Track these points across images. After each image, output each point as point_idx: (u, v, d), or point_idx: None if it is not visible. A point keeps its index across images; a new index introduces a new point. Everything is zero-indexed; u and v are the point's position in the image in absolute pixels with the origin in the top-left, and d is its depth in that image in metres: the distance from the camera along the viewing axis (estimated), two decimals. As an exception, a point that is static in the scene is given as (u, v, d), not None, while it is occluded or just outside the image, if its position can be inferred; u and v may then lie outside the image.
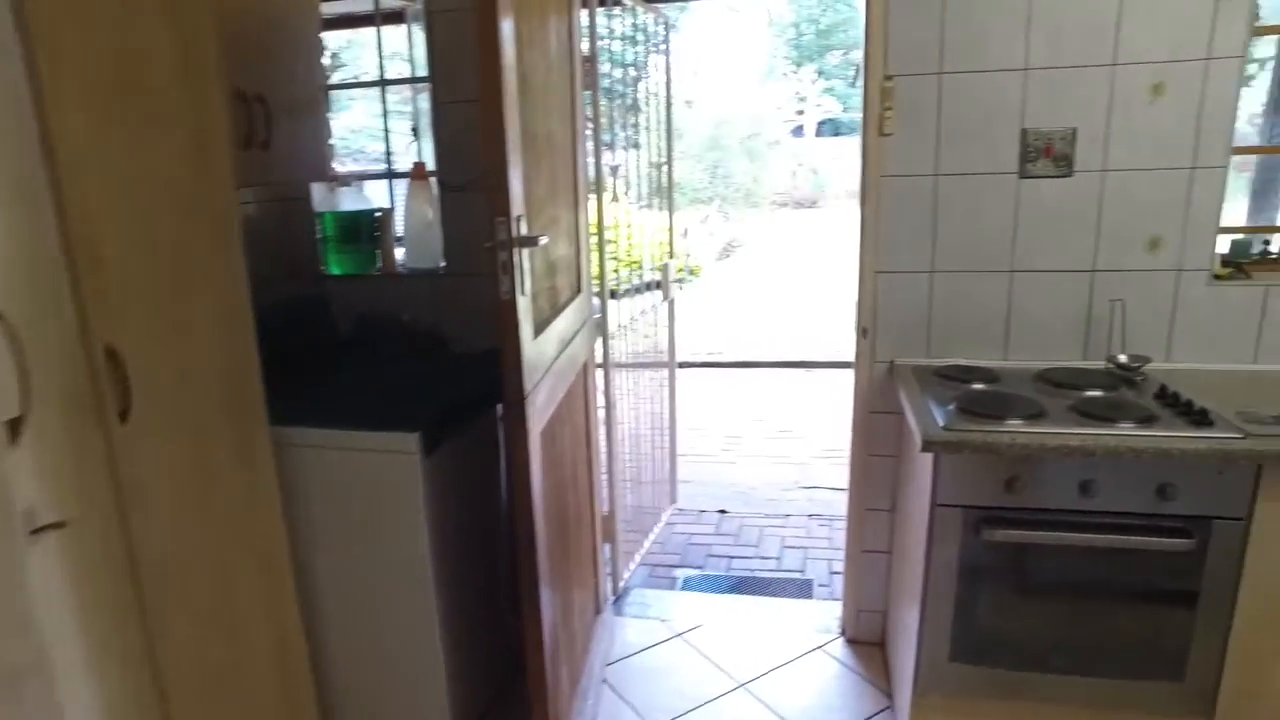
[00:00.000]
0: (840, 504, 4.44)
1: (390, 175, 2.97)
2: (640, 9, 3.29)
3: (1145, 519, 1.84)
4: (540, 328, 1.91)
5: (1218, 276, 2.30)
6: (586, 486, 2.59)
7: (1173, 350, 2.35)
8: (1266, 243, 2.37)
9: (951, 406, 2.00)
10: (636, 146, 3.47)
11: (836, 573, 3.45)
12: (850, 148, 19.57)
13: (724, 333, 8.53)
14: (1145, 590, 1.88)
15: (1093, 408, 1.95)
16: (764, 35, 21.87)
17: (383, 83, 2.84)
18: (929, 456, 1.89)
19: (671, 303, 3.75)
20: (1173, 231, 2.27)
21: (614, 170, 3.31)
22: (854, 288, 2.50)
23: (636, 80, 3.39)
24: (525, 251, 1.72)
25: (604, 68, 2.92)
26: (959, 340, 2.42)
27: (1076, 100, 2.21)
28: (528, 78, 1.82)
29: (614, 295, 3.28)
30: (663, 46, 3.57)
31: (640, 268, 3.65)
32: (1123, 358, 2.27)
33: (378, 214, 2.87)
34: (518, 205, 1.68)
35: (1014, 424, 1.88)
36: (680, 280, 10.72)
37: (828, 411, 5.75)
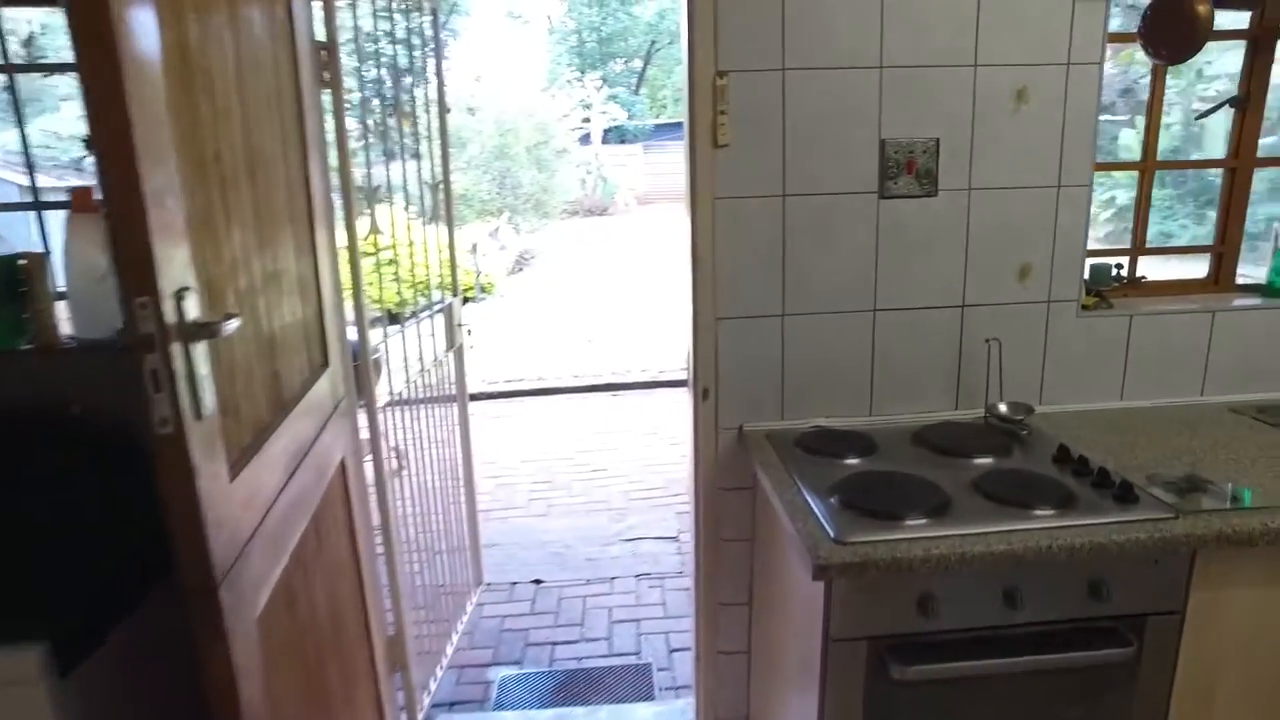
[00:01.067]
0: (668, 556, 3.91)
1: (39, 205, 2.08)
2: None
3: (1079, 625, 1.47)
4: (249, 454, 1.21)
5: (1085, 307, 2.04)
6: (359, 626, 1.89)
7: (1045, 391, 2.06)
8: (1120, 266, 2.15)
9: (834, 500, 1.54)
10: (417, 157, 2.78)
11: (678, 650, 2.97)
12: (637, 154, 19.81)
13: (522, 355, 7.90)
14: (1078, 704, 1.52)
15: (1000, 488, 1.56)
16: (546, 42, 21.47)
17: (9, 68, 1.96)
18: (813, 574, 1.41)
19: (460, 349, 3.09)
20: (1042, 258, 1.98)
21: (375, 188, 2.61)
22: (687, 338, 2.00)
23: (411, 84, 2.70)
24: (202, 347, 1.03)
25: (370, 72, 2.21)
26: (818, 396, 1.99)
27: (939, 106, 1.85)
28: (197, 70, 1.12)
29: (395, 320, 2.58)
30: (433, 45, 2.89)
31: (428, 288, 2.94)
32: (1003, 407, 1.93)
33: (21, 261, 1.97)
34: (177, 274, 0.99)
35: (918, 523, 1.44)
36: (470, 298, 9.96)
37: (640, 444, 5.31)
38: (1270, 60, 2.11)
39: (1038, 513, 1.47)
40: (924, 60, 1.81)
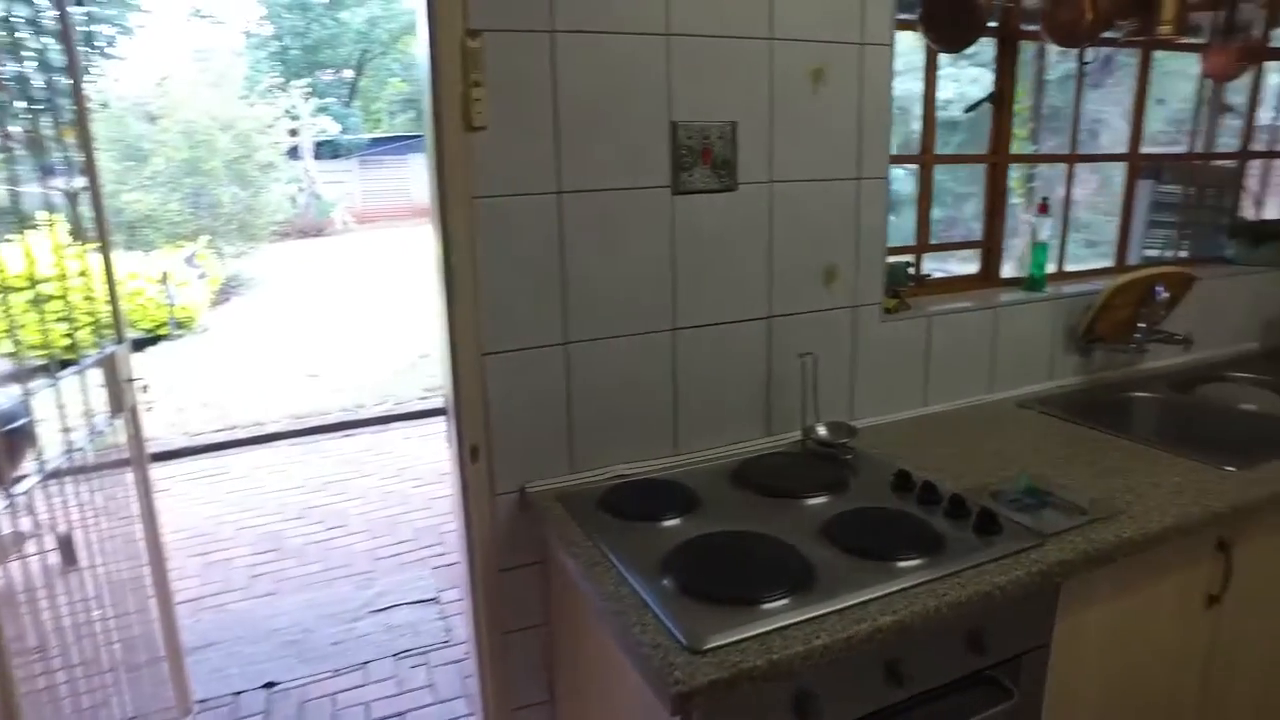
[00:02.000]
0: (430, 624, 3.23)
1: None
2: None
3: (963, 685, 1.24)
4: None
5: (888, 310, 1.88)
6: None
7: (856, 405, 1.87)
8: (909, 264, 2.04)
9: (667, 584, 1.17)
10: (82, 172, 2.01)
11: (459, 748, 2.48)
12: (353, 170, 18.45)
13: (233, 398, 6.75)
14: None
15: (854, 536, 1.29)
16: (243, 48, 19.28)
17: None
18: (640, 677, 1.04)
19: (133, 409, 2.33)
20: (846, 259, 1.78)
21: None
22: (444, 381, 1.54)
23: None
24: None
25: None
26: (615, 439, 1.62)
27: (734, 85, 1.56)
28: None
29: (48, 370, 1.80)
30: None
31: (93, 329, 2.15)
32: (822, 430, 1.70)
33: None
34: None
35: (780, 604, 1.12)
36: (161, 336, 8.47)
37: (383, 490, 4.63)
38: (1015, 59, 2.11)
39: (905, 563, 1.22)
40: (715, 29, 1.52)
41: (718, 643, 1.03)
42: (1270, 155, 2.71)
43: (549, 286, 1.49)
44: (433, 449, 5.14)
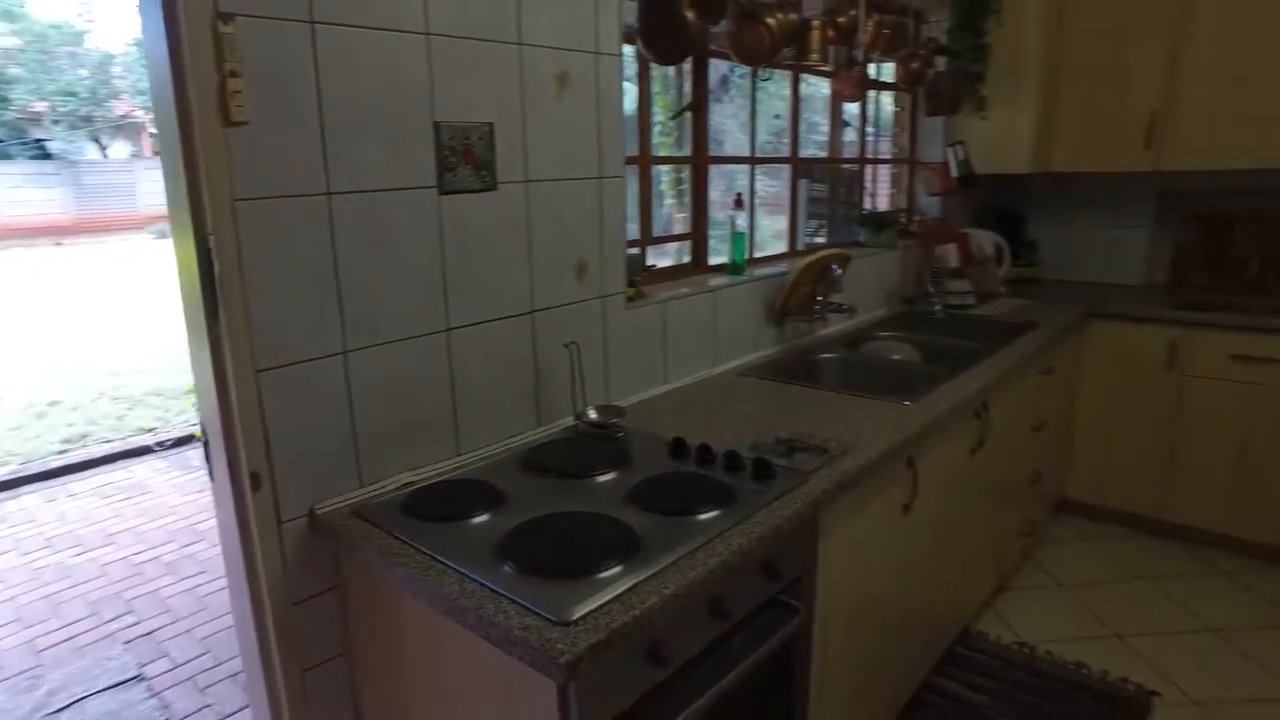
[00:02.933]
0: (138, 708, 2.75)
1: None
2: None
3: (767, 610, 1.43)
4: None
5: (629, 299, 2.05)
6: None
7: (613, 389, 2.02)
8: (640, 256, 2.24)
9: (509, 570, 1.21)
10: None
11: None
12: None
13: None
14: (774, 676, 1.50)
15: (659, 500, 1.43)
16: None
17: None
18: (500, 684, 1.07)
19: None
20: (594, 253, 1.91)
21: None
22: (205, 407, 1.38)
23: None
24: None
25: None
26: (399, 445, 1.58)
27: (490, 87, 1.60)
28: None
29: None
30: None
31: None
32: (593, 414, 1.82)
33: None
34: None
35: (616, 569, 1.21)
36: None
37: (28, 570, 3.81)
38: (706, 73, 2.42)
39: (709, 515, 1.38)
40: (471, 31, 1.55)
41: (583, 611, 1.09)
42: (876, 161, 3.40)
43: (324, 293, 1.41)
44: (89, 508, 4.34)
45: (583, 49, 1.77)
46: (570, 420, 1.84)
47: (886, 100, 3.53)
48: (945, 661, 2.48)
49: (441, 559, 1.26)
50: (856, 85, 2.79)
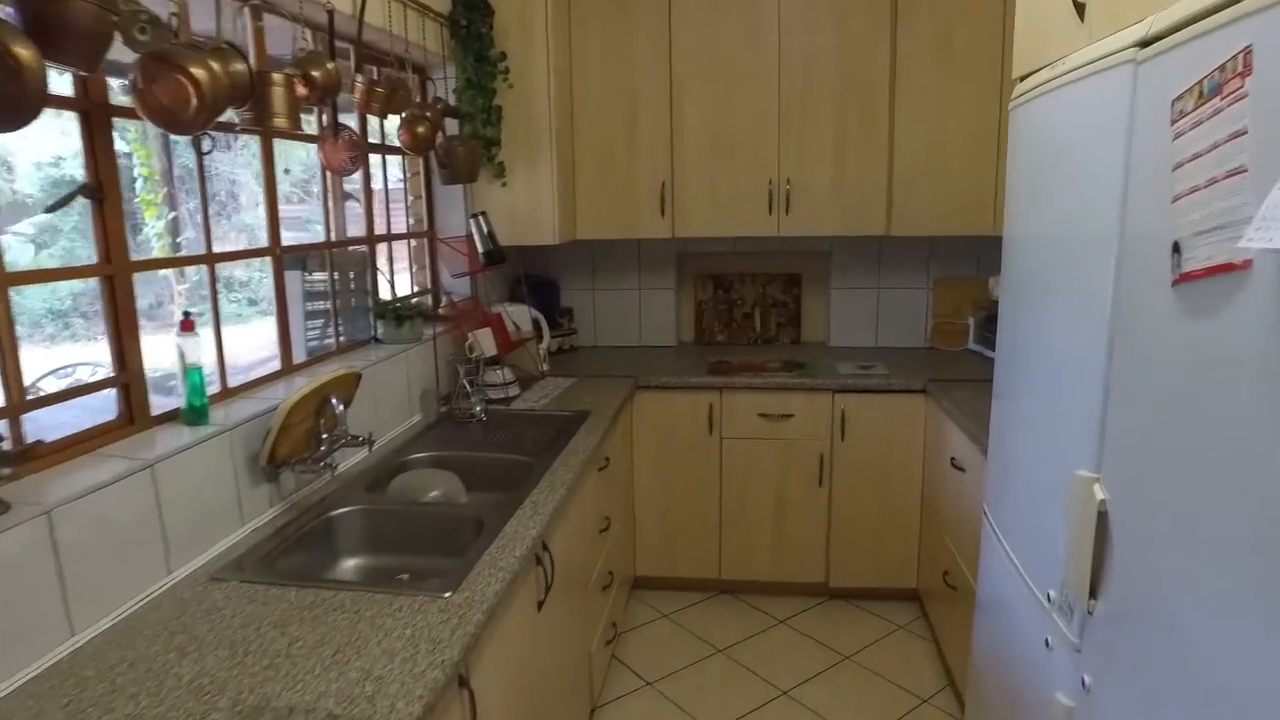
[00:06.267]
0: None
1: None
2: None
3: None
4: None
5: None
6: None
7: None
8: None
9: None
10: None
11: None
12: None
13: None
14: None
15: None
16: None
17: None
18: None
19: None
20: None
21: None
22: None
23: None
24: None
25: None
26: None
27: None
28: None
29: None
30: None
31: None
32: None
33: None
34: None
35: None
36: None
37: None
38: (111, 140, 1.64)
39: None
40: None
41: None
42: (390, 238, 2.87)
43: None
44: None
45: None
46: None
47: (397, 166, 3.04)
48: None
49: None
50: (348, 153, 2.24)
